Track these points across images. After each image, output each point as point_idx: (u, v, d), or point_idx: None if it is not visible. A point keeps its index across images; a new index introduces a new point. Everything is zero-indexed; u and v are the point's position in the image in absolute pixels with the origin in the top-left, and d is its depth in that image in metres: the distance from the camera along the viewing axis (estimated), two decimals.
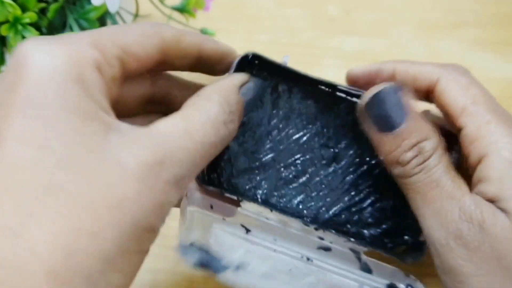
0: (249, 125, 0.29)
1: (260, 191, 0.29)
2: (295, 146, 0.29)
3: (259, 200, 0.29)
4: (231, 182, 0.28)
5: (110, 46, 0.20)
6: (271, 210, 0.28)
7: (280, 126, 0.29)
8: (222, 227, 0.28)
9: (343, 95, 0.30)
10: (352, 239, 0.28)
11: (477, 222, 0.24)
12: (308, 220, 0.29)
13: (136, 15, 0.37)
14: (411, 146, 0.25)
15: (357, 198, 0.30)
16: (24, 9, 0.30)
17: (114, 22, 0.33)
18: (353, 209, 0.30)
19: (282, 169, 0.29)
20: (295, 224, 0.29)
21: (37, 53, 0.17)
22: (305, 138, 0.30)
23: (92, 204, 0.17)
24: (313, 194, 0.29)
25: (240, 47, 0.50)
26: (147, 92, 0.27)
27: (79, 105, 0.17)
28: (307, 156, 0.29)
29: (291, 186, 0.29)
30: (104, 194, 0.17)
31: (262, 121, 0.29)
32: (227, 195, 0.27)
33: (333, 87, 0.30)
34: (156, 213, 0.19)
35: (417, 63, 0.30)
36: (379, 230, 0.29)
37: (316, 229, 0.29)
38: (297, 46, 0.49)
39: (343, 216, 0.29)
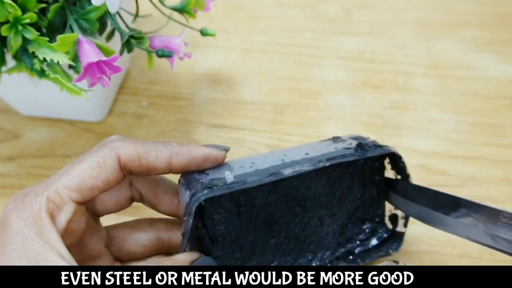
0: (235, 241, 0.31)
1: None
2: (270, 230, 0.31)
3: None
4: None
5: (65, 193, 0.28)
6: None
7: (256, 224, 0.31)
8: None
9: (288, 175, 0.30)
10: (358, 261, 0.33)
11: None
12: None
13: (136, 15, 0.37)
14: None
15: (335, 226, 0.33)
16: (24, 9, 0.30)
17: (114, 22, 0.33)
18: (338, 236, 0.33)
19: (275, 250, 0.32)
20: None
21: (13, 218, 0.27)
22: (276, 219, 0.31)
23: None
24: (304, 248, 0.32)
25: (240, 47, 0.51)
26: (126, 195, 0.33)
27: (34, 251, 0.27)
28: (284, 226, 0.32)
29: (289, 259, 0.32)
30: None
31: (242, 231, 0.31)
32: None
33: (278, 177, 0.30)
34: None
35: None
36: (361, 238, 0.34)
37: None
38: (297, 46, 0.49)
39: (334, 248, 0.33)
